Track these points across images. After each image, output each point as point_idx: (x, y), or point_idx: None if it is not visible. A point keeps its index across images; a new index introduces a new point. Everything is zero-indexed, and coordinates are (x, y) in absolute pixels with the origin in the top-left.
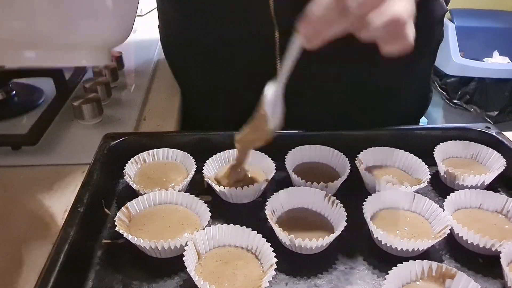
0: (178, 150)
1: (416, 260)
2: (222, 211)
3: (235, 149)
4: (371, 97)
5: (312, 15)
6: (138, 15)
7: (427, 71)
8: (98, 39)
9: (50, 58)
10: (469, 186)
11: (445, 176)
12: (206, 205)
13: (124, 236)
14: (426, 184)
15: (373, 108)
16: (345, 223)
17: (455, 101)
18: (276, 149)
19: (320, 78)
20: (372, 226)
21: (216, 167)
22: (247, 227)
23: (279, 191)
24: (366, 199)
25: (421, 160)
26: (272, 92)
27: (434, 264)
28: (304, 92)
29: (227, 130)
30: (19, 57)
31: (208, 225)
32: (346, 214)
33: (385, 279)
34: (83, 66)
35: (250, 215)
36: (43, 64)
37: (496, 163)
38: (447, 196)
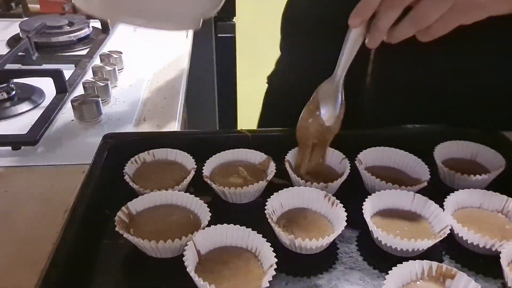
0: (178, 150)
1: (416, 260)
2: (222, 211)
3: (235, 149)
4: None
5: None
6: None
7: None
8: (197, 7)
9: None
10: (469, 186)
11: (445, 176)
12: (206, 205)
13: (124, 236)
14: (426, 184)
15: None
16: (345, 223)
17: None
18: (276, 149)
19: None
20: (372, 226)
21: (216, 167)
22: (247, 227)
23: (279, 191)
24: (366, 199)
25: (421, 160)
26: (328, 88)
27: (434, 264)
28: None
29: None
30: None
31: (208, 225)
32: (346, 214)
33: (385, 279)
34: (179, 30)
35: (250, 215)
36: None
37: (496, 163)
38: (447, 196)
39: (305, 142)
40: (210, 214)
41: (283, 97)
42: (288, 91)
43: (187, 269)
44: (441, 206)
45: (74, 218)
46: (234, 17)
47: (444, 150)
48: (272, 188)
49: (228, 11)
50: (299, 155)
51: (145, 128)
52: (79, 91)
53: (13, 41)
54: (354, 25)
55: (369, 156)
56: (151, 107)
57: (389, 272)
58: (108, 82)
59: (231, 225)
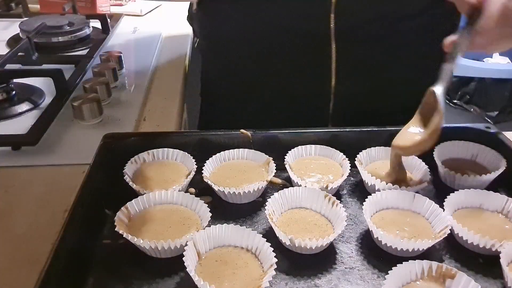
0: (178, 150)
1: (416, 260)
2: (222, 211)
3: (235, 149)
4: None
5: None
6: (138, 15)
7: None
8: None
9: None
10: (469, 186)
11: (445, 176)
12: (207, 205)
13: (124, 236)
14: (426, 184)
15: None
16: (345, 223)
17: (455, 101)
18: (276, 149)
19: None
20: (372, 226)
21: (216, 167)
22: (247, 227)
23: (279, 191)
24: (366, 199)
25: (421, 160)
26: (441, 92)
27: (434, 264)
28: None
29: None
30: None
31: (208, 225)
32: (346, 214)
33: (385, 279)
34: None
35: (250, 215)
36: None
37: (496, 163)
38: (447, 196)
39: (408, 153)
40: (210, 214)
41: (212, 96)
42: (214, 90)
43: (187, 269)
44: (441, 206)
45: (74, 218)
46: None
47: (444, 150)
48: (272, 188)
49: None
50: (392, 166)
51: (145, 128)
52: (79, 91)
53: (13, 41)
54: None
55: (369, 156)
56: (151, 107)
57: (389, 272)
58: (108, 82)
59: (231, 225)
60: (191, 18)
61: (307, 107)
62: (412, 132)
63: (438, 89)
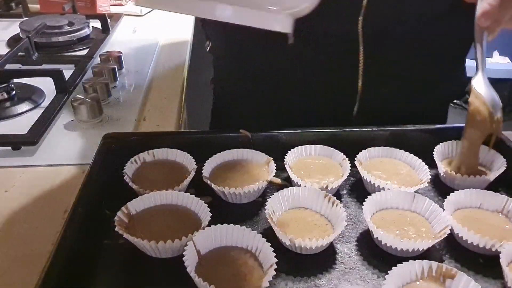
0: (178, 150)
1: (416, 260)
2: (222, 211)
3: (235, 149)
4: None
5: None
6: (138, 15)
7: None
8: (291, 4)
9: (242, 16)
10: (469, 186)
11: (444, 176)
12: (207, 205)
13: (124, 236)
14: (426, 184)
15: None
16: (345, 223)
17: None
18: (276, 149)
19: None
20: (372, 226)
21: (216, 167)
22: (247, 227)
23: (279, 191)
24: (366, 199)
25: (421, 160)
26: (481, 82)
27: (434, 264)
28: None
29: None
30: (214, 11)
31: (208, 225)
32: (346, 214)
33: (385, 279)
34: (272, 29)
35: (250, 215)
36: (229, 19)
37: (496, 163)
38: (447, 196)
39: (480, 138)
40: (210, 214)
41: (227, 100)
42: (230, 94)
43: (187, 269)
44: (441, 206)
45: (74, 218)
46: None
47: (444, 150)
48: (272, 188)
49: None
50: (466, 154)
51: (145, 128)
52: (79, 91)
53: (13, 41)
54: (484, 26)
55: (369, 156)
56: (151, 107)
57: (389, 272)
58: (108, 82)
59: (231, 225)
60: (204, 20)
61: (331, 110)
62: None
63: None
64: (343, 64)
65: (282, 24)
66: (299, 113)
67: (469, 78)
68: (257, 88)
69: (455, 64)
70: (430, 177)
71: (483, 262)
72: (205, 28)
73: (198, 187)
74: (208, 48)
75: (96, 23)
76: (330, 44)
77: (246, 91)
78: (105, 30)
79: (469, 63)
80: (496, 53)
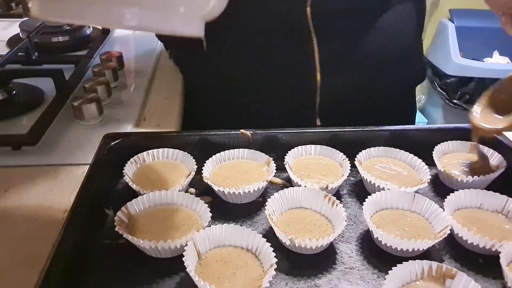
0: (178, 150)
1: (416, 260)
2: (222, 211)
3: (235, 149)
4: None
5: None
6: None
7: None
8: (196, 5)
9: (146, 19)
10: (469, 186)
11: (444, 176)
12: (207, 205)
13: (124, 236)
14: (426, 184)
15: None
16: (345, 223)
17: (455, 101)
18: (276, 149)
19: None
20: (372, 226)
21: (216, 167)
22: (247, 227)
23: (279, 191)
24: (366, 199)
25: (421, 160)
26: None
27: (434, 264)
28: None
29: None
30: (118, 17)
31: (208, 225)
32: (346, 214)
33: (385, 279)
34: (177, 34)
35: (250, 215)
36: (136, 26)
37: (496, 163)
38: (447, 196)
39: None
40: (210, 214)
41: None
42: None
43: (187, 269)
44: (441, 206)
45: (74, 218)
46: None
47: (444, 150)
48: (272, 188)
49: None
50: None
51: (145, 128)
52: (79, 91)
53: (13, 41)
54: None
55: (369, 156)
56: (151, 107)
57: (389, 272)
58: (108, 82)
59: (231, 225)
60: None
61: (294, 105)
62: (493, 117)
63: None
64: (300, 58)
65: (192, 28)
66: (261, 111)
67: (457, 77)
68: (220, 88)
69: (409, 46)
70: (430, 177)
71: (483, 262)
72: (160, 38)
73: (198, 187)
74: (170, 56)
75: None
76: (283, 38)
77: (211, 91)
78: (105, 30)
79: (462, 61)
80: (496, 53)
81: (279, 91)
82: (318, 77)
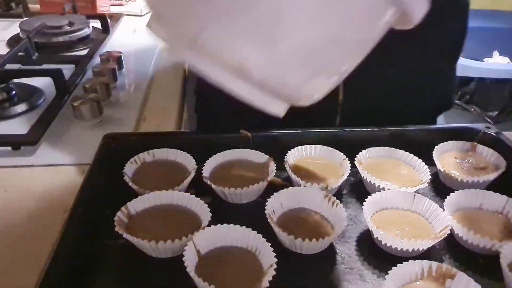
0: (178, 150)
1: (416, 260)
2: (222, 211)
3: (235, 149)
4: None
5: None
6: (138, 15)
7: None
8: (300, 98)
9: (249, 93)
10: (469, 186)
11: (444, 176)
12: (207, 205)
13: (124, 236)
14: (426, 184)
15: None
16: (345, 223)
17: (455, 101)
18: (276, 149)
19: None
20: (372, 226)
21: (216, 167)
22: (247, 227)
23: (279, 191)
24: (366, 199)
25: (421, 160)
26: None
27: (434, 264)
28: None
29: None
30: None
31: (208, 225)
32: (346, 214)
33: (385, 279)
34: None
35: (250, 215)
36: (239, 95)
37: (496, 163)
38: (447, 196)
39: None
40: (210, 214)
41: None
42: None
43: (187, 269)
44: (441, 206)
45: (74, 218)
46: None
47: (443, 150)
48: (272, 188)
49: None
50: None
51: (145, 128)
52: (79, 91)
53: (13, 41)
54: None
55: (369, 156)
56: (151, 107)
57: (389, 272)
58: (108, 82)
59: (231, 225)
60: None
61: (314, 123)
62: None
63: None
64: None
65: (279, 109)
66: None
67: (457, 77)
68: (236, 102)
69: (437, 75)
70: (430, 177)
71: (483, 262)
72: None
73: (198, 187)
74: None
75: (96, 23)
76: None
77: (227, 105)
78: (105, 30)
79: (462, 61)
80: (496, 53)
81: (297, 109)
82: (341, 96)
